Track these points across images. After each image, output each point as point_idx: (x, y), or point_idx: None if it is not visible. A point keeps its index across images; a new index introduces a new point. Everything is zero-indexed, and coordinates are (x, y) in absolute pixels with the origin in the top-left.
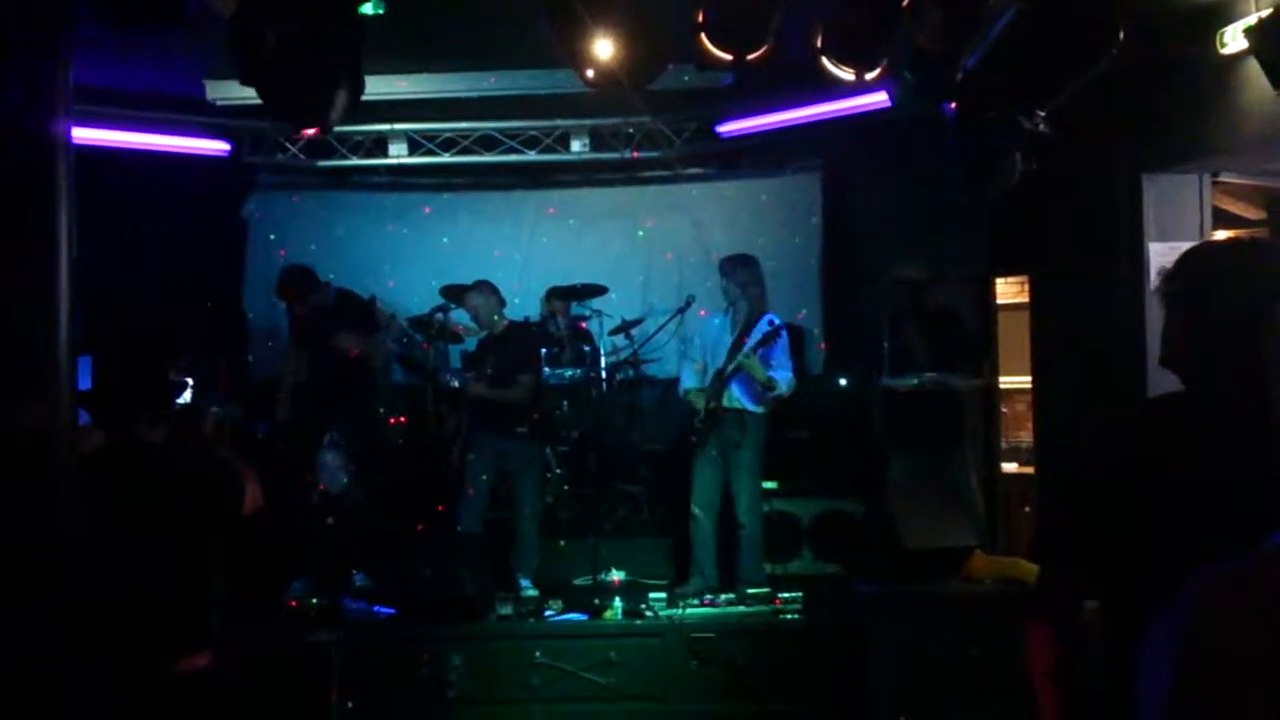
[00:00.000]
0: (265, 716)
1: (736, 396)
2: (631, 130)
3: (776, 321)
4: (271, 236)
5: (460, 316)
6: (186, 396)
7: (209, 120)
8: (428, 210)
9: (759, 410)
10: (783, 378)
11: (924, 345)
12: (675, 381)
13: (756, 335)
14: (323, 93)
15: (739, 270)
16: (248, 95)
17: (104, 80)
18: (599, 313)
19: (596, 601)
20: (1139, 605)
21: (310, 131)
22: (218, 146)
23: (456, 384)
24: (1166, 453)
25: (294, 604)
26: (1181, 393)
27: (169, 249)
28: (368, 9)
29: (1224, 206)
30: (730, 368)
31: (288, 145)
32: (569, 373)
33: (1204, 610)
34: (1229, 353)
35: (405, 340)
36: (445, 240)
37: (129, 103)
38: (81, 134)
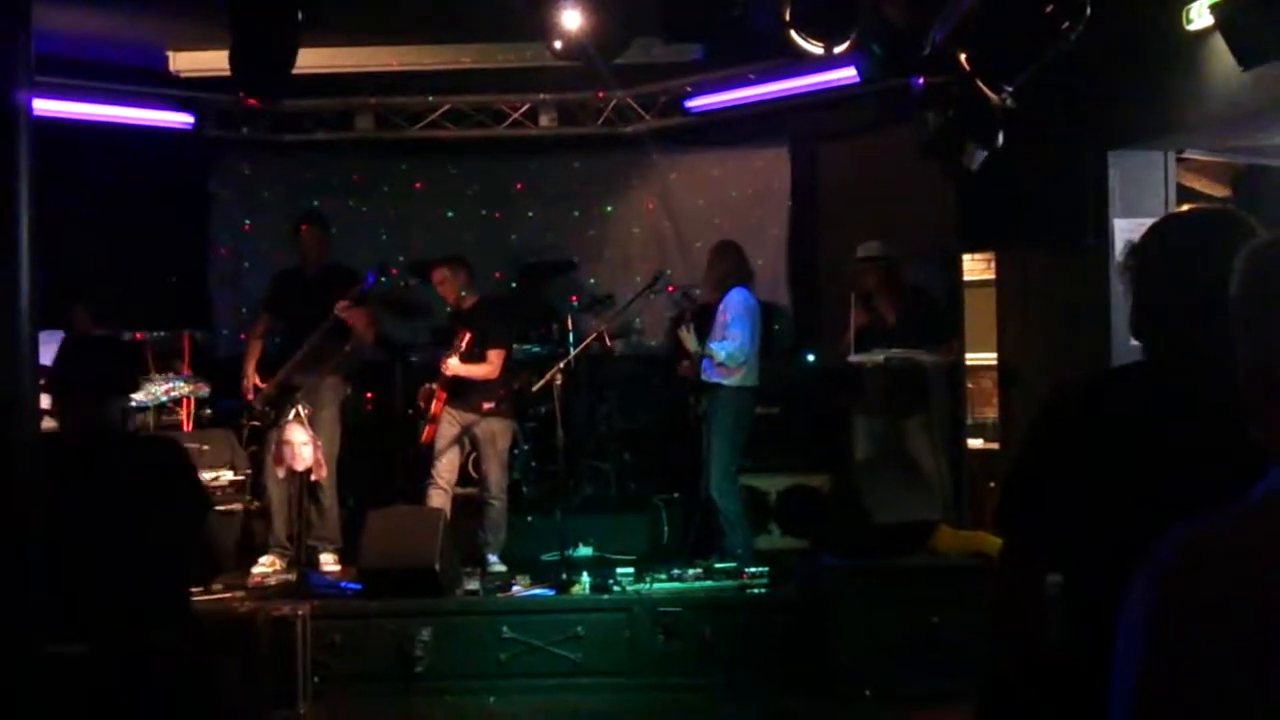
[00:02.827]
0: (232, 691)
1: (705, 370)
2: (600, 105)
3: (738, 297)
4: (236, 211)
5: (428, 291)
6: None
7: (172, 92)
8: (419, 186)
9: (724, 382)
10: (720, 347)
11: (896, 321)
12: (644, 358)
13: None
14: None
15: (709, 255)
16: (211, 67)
17: (65, 50)
18: (569, 288)
19: (564, 576)
20: (1102, 576)
21: (252, 101)
22: (181, 119)
23: (425, 359)
24: (1129, 423)
25: (260, 579)
26: (1144, 363)
27: (132, 223)
28: None
29: (1189, 183)
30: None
31: (252, 118)
32: (538, 348)
33: (1181, 565)
34: (1195, 324)
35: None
36: (411, 215)
37: (90, 74)
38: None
